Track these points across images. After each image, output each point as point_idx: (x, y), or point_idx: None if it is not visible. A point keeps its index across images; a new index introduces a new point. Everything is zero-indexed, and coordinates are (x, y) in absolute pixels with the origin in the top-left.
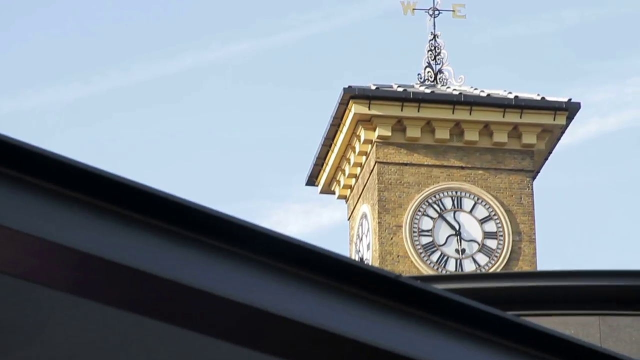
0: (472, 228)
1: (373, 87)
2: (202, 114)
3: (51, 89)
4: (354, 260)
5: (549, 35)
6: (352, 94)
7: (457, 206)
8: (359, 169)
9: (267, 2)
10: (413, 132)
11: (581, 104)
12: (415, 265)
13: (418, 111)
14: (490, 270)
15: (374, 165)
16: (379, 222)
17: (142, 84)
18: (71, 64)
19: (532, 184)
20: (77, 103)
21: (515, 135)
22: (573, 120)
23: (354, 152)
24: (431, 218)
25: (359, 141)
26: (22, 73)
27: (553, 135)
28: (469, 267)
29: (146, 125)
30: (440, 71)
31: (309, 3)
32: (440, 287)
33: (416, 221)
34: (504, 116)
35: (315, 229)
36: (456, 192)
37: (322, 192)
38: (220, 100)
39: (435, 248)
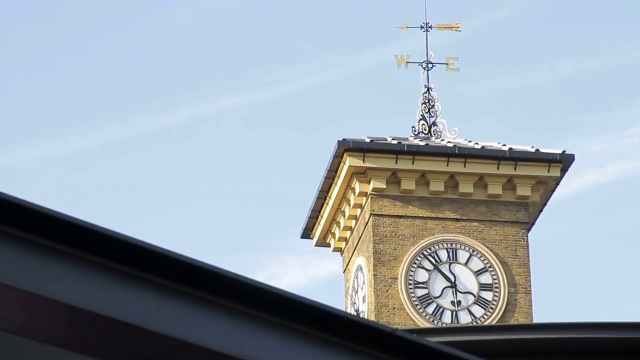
0: (467, 280)
1: (367, 140)
2: (197, 166)
3: (45, 142)
4: (351, 314)
5: (543, 86)
6: (347, 147)
7: (453, 258)
8: (354, 221)
9: (262, 55)
10: (408, 184)
11: (575, 156)
12: (411, 317)
13: (412, 164)
14: (486, 323)
15: (369, 218)
16: (374, 275)
17: (138, 136)
18: (66, 118)
19: (527, 236)
20: (73, 156)
21: (509, 187)
22: (568, 172)
23: (349, 204)
24: (426, 270)
25: (354, 194)
26: (17, 127)
27: (547, 187)
28: (464, 319)
29: (141, 177)
30: (434, 124)
31: (304, 56)
32: (435, 340)
33: (412, 273)
34: (498, 168)
35: (312, 281)
36: (451, 244)
37: (317, 244)
38: (214, 153)
39: (430, 300)
